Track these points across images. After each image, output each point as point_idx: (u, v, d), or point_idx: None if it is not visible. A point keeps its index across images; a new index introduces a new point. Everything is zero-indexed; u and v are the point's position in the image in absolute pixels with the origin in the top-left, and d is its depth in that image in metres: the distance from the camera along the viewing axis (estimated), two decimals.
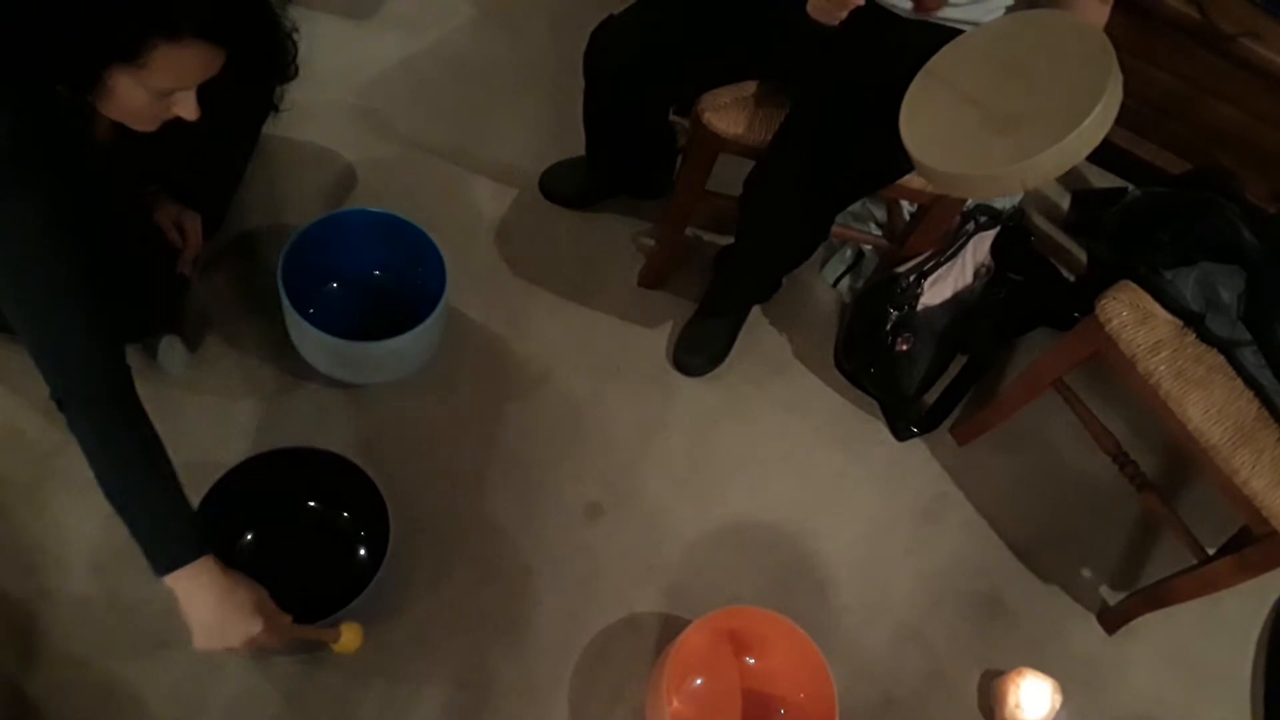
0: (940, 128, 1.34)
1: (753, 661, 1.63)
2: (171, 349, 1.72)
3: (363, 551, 1.59)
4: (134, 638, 1.52)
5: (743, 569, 1.78)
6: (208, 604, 1.22)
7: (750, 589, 1.75)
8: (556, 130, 2.14)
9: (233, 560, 1.52)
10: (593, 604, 1.69)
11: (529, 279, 1.98)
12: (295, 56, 1.31)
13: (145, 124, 1.20)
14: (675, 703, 1.58)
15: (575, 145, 2.04)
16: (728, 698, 1.62)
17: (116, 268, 1.49)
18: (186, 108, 1.18)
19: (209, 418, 1.71)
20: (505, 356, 1.89)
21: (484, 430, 1.81)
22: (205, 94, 1.21)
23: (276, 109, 1.47)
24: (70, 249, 1.17)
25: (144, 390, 1.68)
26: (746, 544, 1.80)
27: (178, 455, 1.64)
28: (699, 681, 1.62)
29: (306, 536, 1.61)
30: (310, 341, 1.67)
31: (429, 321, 1.65)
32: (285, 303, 1.63)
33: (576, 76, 2.15)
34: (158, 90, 1.13)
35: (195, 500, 1.43)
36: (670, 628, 1.69)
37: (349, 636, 1.40)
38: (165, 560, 1.20)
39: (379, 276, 1.84)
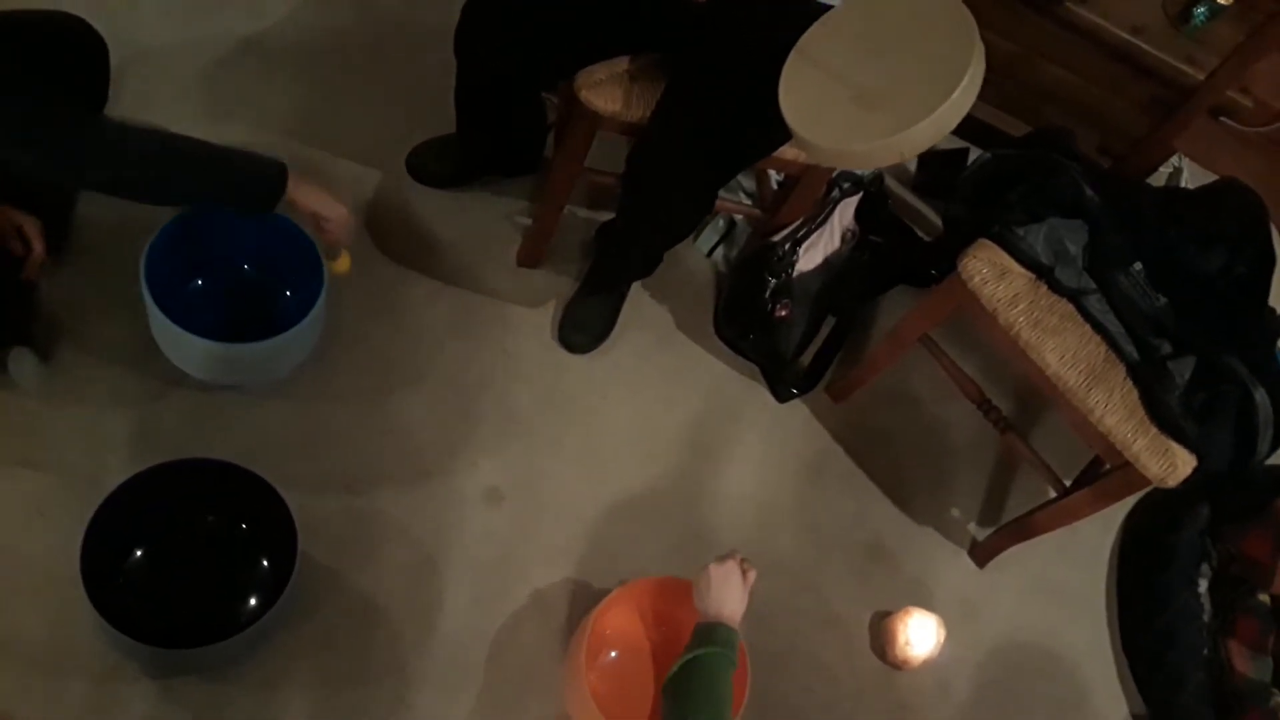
0: (817, 103, 1.39)
1: (663, 628, 1.68)
2: (22, 361, 1.60)
3: (265, 562, 1.53)
4: (26, 670, 1.43)
5: (644, 539, 1.81)
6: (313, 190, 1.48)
7: (653, 558, 1.79)
8: (416, 107, 2.08)
9: (121, 580, 1.46)
10: (500, 589, 1.69)
11: (404, 264, 1.93)
12: None
13: None
14: (592, 678, 1.61)
15: (437, 123, 2.00)
16: (641, 667, 1.66)
17: None
18: None
19: (75, 432, 1.61)
20: (387, 346, 1.84)
21: (372, 424, 1.77)
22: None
23: None
24: None
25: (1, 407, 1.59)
26: (645, 514, 1.84)
27: (46, 475, 1.57)
28: (613, 655, 1.65)
29: (203, 551, 1.54)
30: (180, 345, 1.58)
31: (308, 319, 1.59)
32: (150, 305, 1.53)
33: (432, 50, 2.11)
34: None
35: (81, 525, 1.36)
36: (579, 605, 1.71)
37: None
38: (276, 188, 1.43)
39: (248, 271, 1.75)
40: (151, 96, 1.92)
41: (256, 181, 1.43)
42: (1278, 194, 1.75)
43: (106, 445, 1.61)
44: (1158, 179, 2.44)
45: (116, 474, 1.49)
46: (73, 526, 1.46)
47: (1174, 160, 2.47)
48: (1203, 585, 1.97)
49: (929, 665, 1.82)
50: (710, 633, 1.38)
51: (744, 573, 1.46)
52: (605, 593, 1.67)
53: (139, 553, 1.50)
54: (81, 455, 1.59)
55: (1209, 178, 2.46)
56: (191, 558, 1.53)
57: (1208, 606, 1.95)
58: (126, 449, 1.61)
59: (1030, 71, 2.30)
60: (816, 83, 1.40)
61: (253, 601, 1.52)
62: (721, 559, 1.46)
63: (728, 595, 1.42)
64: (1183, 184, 2.49)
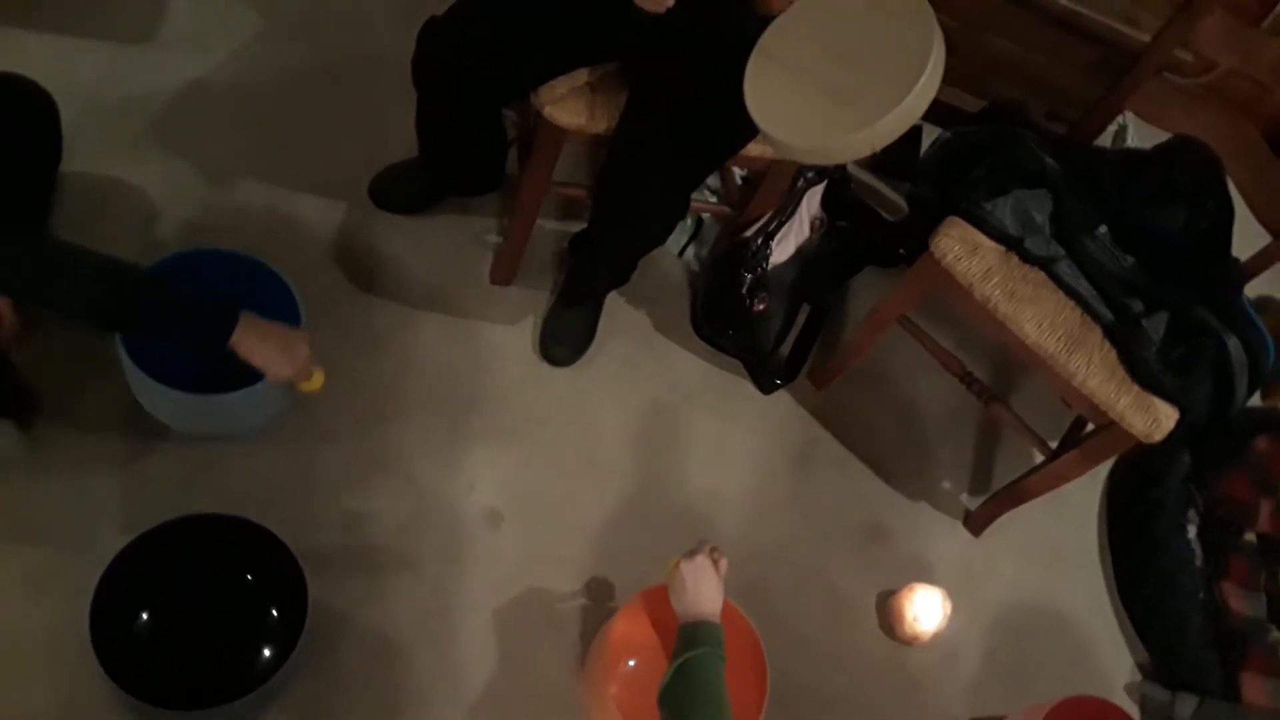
0: (785, 101, 1.40)
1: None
2: (3, 434, 1.56)
3: (274, 612, 1.52)
4: None
5: (647, 545, 1.81)
6: (259, 346, 1.38)
7: (659, 562, 1.77)
8: (372, 135, 2.06)
9: (129, 645, 1.44)
10: (512, 610, 1.69)
11: (379, 294, 1.92)
12: None
13: None
14: (613, 689, 1.61)
15: (395, 149, 1.99)
16: (660, 672, 1.66)
17: None
18: None
19: (64, 501, 1.57)
20: (371, 378, 1.83)
21: (364, 459, 1.75)
22: None
23: None
24: None
25: None
26: (646, 520, 1.85)
27: (39, 547, 1.55)
28: (631, 664, 1.66)
29: (210, 607, 1.52)
30: (161, 400, 1.56)
31: None
32: (127, 362, 1.51)
33: (381, 77, 2.10)
34: None
35: (81, 594, 1.34)
36: (591, 617, 1.72)
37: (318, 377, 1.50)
38: (220, 338, 1.35)
39: None
40: (105, 152, 1.88)
41: (195, 327, 1.36)
42: (1229, 145, 1.79)
43: (97, 510, 1.58)
44: (1104, 139, 2.49)
45: (111, 538, 1.47)
46: (74, 596, 1.44)
47: (1119, 119, 2.53)
48: (1191, 531, 2.02)
49: (938, 638, 1.85)
50: (695, 633, 1.35)
51: (715, 563, 1.43)
52: (616, 602, 1.69)
53: (145, 615, 1.48)
54: (73, 523, 1.56)
55: (1155, 134, 2.52)
56: (199, 615, 1.51)
57: (1198, 551, 2.00)
58: (118, 512, 1.58)
59: (975, 46, 2.34)
60: (781, 81, 1.40)
61: (266, 653, 1.50)
62: (690, 554, 1.42)
63: (704, 590, 1.39)
64: (1129, 141, 2.54)
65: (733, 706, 1.57)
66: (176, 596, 1.50)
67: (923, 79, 1.30)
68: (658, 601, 1.62)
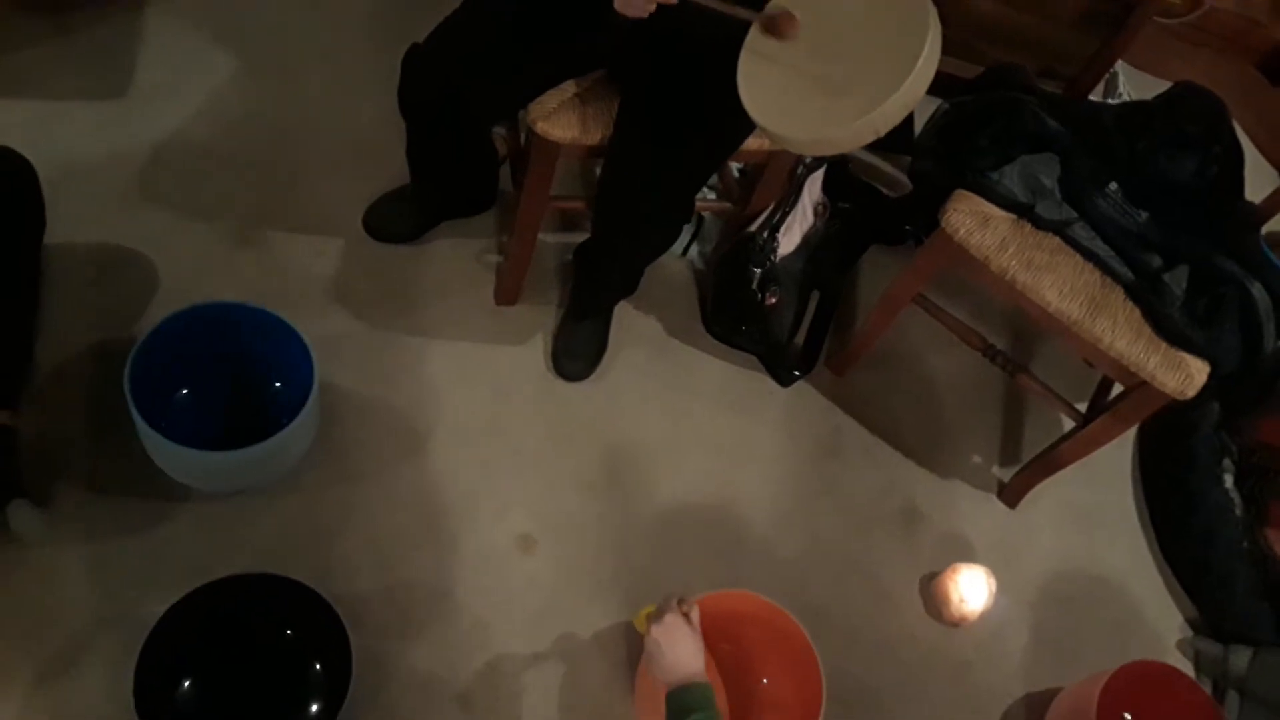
0: (783, 96, 1.36)
1: (725, 643, 1.66)
2: (22, 513, 1.53)
3: (317, 665, 1.49)
4: None
5: (684, 555, 1.79)
6: None
7: (698, 572, 1.77)
8: (358, 166, 2.02)
9: (174, 715, 1.41)
10: (556, 636, 1.67)
11: (385, 329, 1.88)
12: None
13: None
14: None
15: (385, 178, 1.96)
16: (713, 684, 1.64)
17: None
18: None
19: (90, 573, 1.54)
20: (388, 415, 1.80)
21: (390, 496, 1.72)
22: None
23: None
24: None
25: (6, 564, 1.52)
26: (680, 530, 1.82)
27: (71, 623, 1.52)
28: None
29: (252, 668, 1.49)
30: (178, 460, 1.54)
31: (304, 413, 1.54)
32: (141, 425, 1.48)
33: (362, 106, 2.07)
34: None
35: (117, 666, 1.32)
36: (636, 634, 1.69)
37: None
38: None
39: (235, 370, 1.69)
40: (91, 215, 1.83)
41: None
42: (1231, 88, 1.75)
43: (125, 579, 1.55)
44: (1095, 92, 2.45)
45: (143, 606, 1.46)
46: (110, 670, 1.44)
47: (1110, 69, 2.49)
48: (1228, 480, 1.99)
49: (985, 616, 1.83)
50: (684, 698, 1.28)
51: (686, 616, 1.35)
52: None
53: (187, 683, 1.45)
54: (101, 596, 1.53)
55: (1145, 80, 2.48)
56: (241, 677, 1.49)
57: (1237, 500, 1.97)
58: (147, 579, 1.55)
59: (961, 10, 2.30)
60: (776, 74, 1.36)
61: (314, 708, 1.48)
62: (658, 615, 1.35)
63: (681, 651, 1.31)
64: (1120, 89, 2.50)
65: (791, 713, 1.56)
66: (217, 661, 1.47)
67: (921, 59, 1.26)
68: (703, 612, 1.60)
